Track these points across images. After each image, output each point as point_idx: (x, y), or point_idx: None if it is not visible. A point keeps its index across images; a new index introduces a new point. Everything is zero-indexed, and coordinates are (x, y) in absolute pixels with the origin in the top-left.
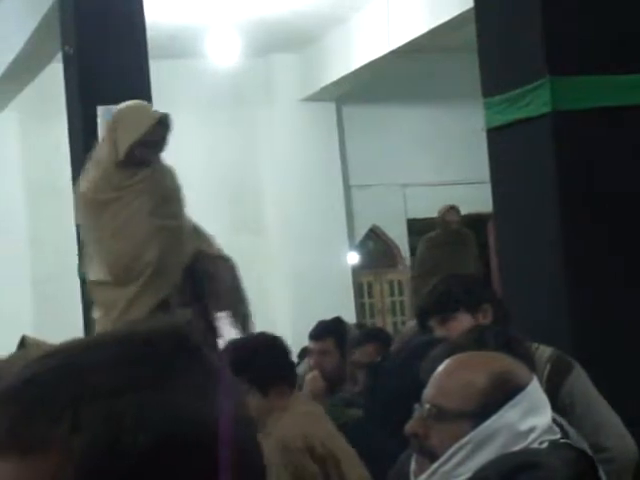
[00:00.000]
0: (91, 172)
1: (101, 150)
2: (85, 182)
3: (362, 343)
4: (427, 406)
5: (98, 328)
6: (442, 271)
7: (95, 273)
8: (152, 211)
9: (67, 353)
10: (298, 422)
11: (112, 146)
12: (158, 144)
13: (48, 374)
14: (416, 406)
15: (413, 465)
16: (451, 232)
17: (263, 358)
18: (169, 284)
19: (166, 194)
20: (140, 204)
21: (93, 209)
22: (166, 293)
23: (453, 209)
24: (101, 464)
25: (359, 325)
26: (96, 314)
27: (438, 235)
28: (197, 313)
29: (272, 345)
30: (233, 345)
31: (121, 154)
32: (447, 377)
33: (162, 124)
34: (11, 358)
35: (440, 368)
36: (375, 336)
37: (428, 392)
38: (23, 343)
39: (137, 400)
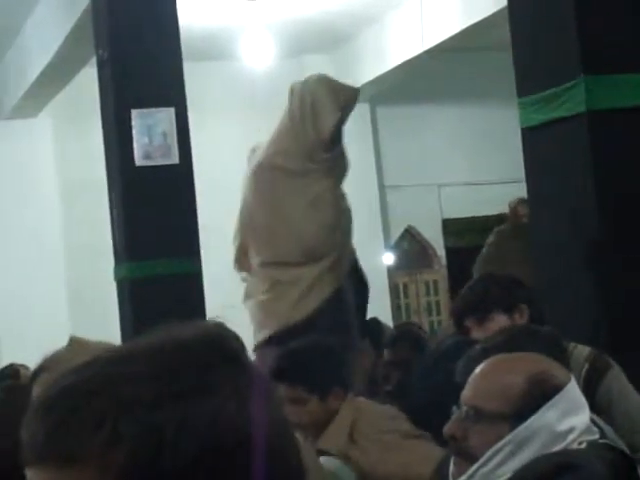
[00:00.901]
0: (279, 143)
1: (293, 122)
2: (270, 151)
3: (393, 343)
4: (465, 408)
5: (261, 310)
6: (511, 265)
7: (263, 253)
8: (338, 192)
9: (105, 362)
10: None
11: (310, 122)
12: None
13: (86, 384)
14: (454, 408)
15: (452, 467)
16: (522, 226)
17: (320, 363)
18: (344, 273)
19: (343, 175)
20: (329, 183)
21: (277, 178)
22: (341, 282)
23: (525, 202)
24: (142, 474)
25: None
26: (262, 297)
27: (508, 229)
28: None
29: (327, 349)
30: (288, 352)
31: (326, 132)
32: (485, 379)
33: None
34: (58, 355)
35: (477, 370)
36: (406, 336)
37: (466, 394)
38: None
39: (177, 411)
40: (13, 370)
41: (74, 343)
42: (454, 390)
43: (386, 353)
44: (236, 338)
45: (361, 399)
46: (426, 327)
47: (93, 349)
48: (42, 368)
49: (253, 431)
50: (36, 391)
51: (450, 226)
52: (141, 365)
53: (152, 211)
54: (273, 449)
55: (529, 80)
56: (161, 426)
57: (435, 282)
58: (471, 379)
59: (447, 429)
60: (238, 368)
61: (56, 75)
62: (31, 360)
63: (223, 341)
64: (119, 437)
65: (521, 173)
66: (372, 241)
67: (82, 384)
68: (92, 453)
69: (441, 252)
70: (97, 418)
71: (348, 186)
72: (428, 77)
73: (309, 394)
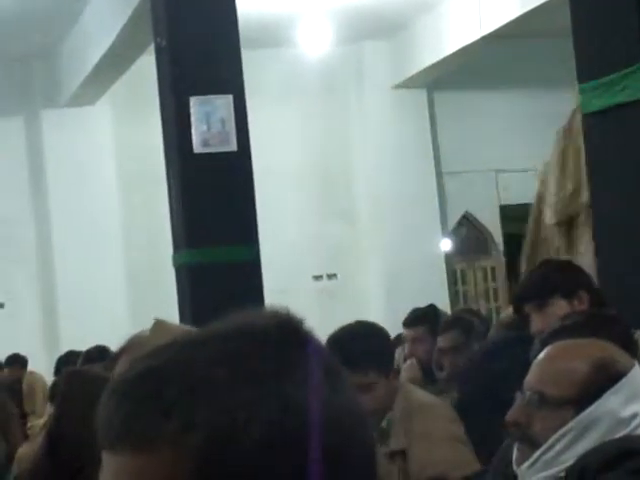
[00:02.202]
0: None
1: None
2: None
3: (445, 330)
4: (529, 393)
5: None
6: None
7: None
8: None
9: (180, 347)
10: None
11: None
12: None
13: (161, 368)
14: (517, 394)
15: (515, 453)
16: None
17: (378, 344)
18: None
19: None
20: None
21: None
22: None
23: None
24: (217, 459)
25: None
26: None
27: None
28: None
29: (377, 330)
30: (349, 335)
31: None
32: (548, 364)
33: None
34: (140, 338)
35: (541, 355)
36: (457, 322)
37: (529, 379)
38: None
39: (249, 395)
40: (75, 356)
41: (157, 326)
42: (498, 389)
43: (439, 340)
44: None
45: (412, 387)
46: (484, 313)
47: (174, 333)
48: (123, 350)
49: (322, 416)
50: (115, 372)
51: (508, 212)
52: (215, 350)
53: (210, 198)
54: (342, 435)
55: (589, 66)
56: (234, 410)
57: (493, 268)
58: (535, 365)
59: (510, 415)
60: (310, 354)
61: (114, 63)
62: (90, 345)
63: (295, 327)
64: (192, 422)
65: None
66: (430, 228)
67: (157, 369)
68: (166, 438)
69: (499, 238)
70: (171, 403)
71: (405, 173)
72: (485, 63)
73: (378, 376)
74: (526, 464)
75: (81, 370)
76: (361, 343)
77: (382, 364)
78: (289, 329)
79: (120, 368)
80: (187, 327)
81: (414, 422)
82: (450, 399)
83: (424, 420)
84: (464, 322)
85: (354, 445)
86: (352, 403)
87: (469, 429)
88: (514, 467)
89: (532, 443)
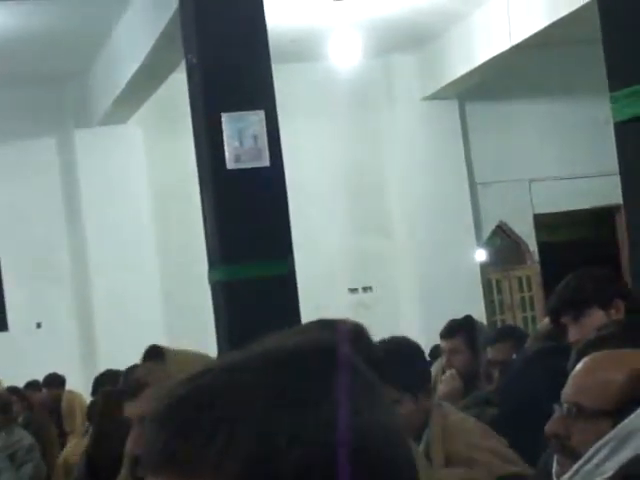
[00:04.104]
0: None
1: None
2: None
3: (497, 341)
4: (566, 405)
5: None
6: None
7: None
8: None
9: (219, 372)
10: None
11: None
12: None
13: (201, 393)
14: (555, 406)
15: (555, 466)
16: None
17: (408, 362)
18: None
19: None
20: None
21: None
22: None
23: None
24: None
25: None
26: None
27: None
28: None
29: (411, 347)
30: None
31: None
32: (586, 375)
33: None
34: (154, 370)
35: (578, 367)
36: (509, 334)
37: (567, 391)
38: (154, 353)
39: (290, 419)
40: (112, 375)
41: (171, 356)
42: (536, 401)
43: (488, 351)
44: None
45: (448, 407)
46: (520, 323)
47: (192, 360)
48: (144, 384)
49: (362, 440)
50: (138, 406)
51: (542, 221)
52: (254, 374)
53: (244, 214)
54: (383, 457)
55: (620, 74)
56: (274, 435)
57: (528, 277)
58: (572, 376)
59: (549, 427)
60: (352, 376)
61: (146, 81)
62: (127, 364)
63: (333, 349)
64: (234, 446)
65: (612, 166)
66: (464, 238)
67: (197, 394)
68: (208, 462)
69: (533, 247)
70: (212, 427)
71: (438, 184)
72: (517, 72)
73: (402, 392)
74: (566, 476)
75: (118, 390)
76: (386, 359)
77: (408, 381)
78: (332, 351)
79: (145, 403)
80: (200, 352)
81: (454, 445)
82: (494, 412)
83: (462, 443)
84: (516, 334)
85: (394, 466)
86: (392, 424)
87: (511, 441)
88: (554, 479)
89: (571, 455)
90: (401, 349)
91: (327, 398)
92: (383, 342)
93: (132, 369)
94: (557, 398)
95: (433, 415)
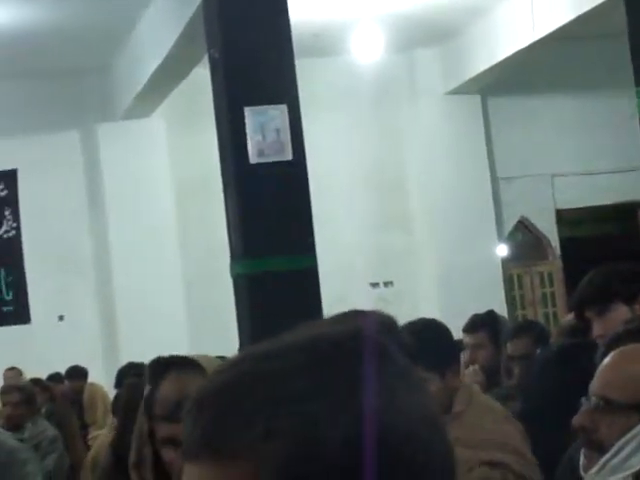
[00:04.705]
0: None
1: None
2: None
3: (516, 336)
4: (594, 399)
5: None
6: None
7: None
8: None
9: (256, 359)
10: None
11: None
12: None
13: (239, 380)
14: (583, 399)
15: (582, 459)
16: None
17: (434, 341)
18: None
19: None
20: None
21: None
22: None
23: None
24: (298, 469)
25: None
26: None
27: None
28: None
29: (436, 326)
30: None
31: None
32: (613, 369)
33: None
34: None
35: (605, 360)
36: (529, 328)
37: (595, 385)
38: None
39: (327, 404)
40: (135, 368)
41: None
42: (562, 396)
43: (508, 346)
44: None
45: (479, 391)
46: (541, 319)
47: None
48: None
49: (397, 423)
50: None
51: (564, 216)
52: (291, 360)
53: (267, 207)
54: (418, 441)
55: None
56: (314, 421)
57: (550, 273)
58: (599, 370)
59: (576, 420)
60: (388, 362)
61: (169, 75)
62: (149, 357)
63: (372, 336)
64: (273, 432)
65: (635, 161)
66: (485, 233)
67: (234, 381)
68: (247, 447)
69: (555, 243)
70: (251, 414)
71: (460, 179)
72: (540, 67)
73: (429, 371)
74: (593, 469)
75: (142, 382)
76: (412, 339)
77: (433, 361)
78: (363, 339)
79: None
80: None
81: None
82: (515, 407)
83: (487, 423)
84: (536, 328)
85: (430, 450)
86: (428, 409)
87: (534, 437)
88: (581, 472)
89: (599, 448)
90: (429, 329)
91: (363, 383)
92: (412, 323)
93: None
94: (581, 394)
95: (458, 394)
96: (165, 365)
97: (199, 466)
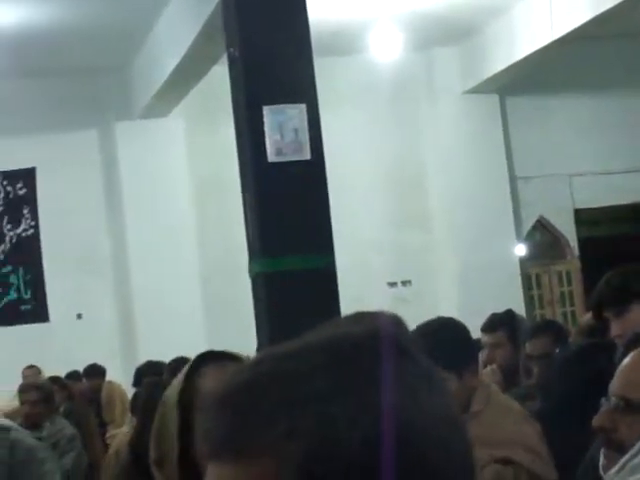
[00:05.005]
0: None
1: None
2: None
3: (535, 335)
4: (614, 399)
5: None
6: None
7: None
8: None
9: (277, 359)
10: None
11: None
12: None
13: (261, 380)
14: (603, 399)
15: (602, 459)
16: None
17: (451, 340)
18: None
19: None
20: None
21: None
22: None
23: None
24: (318, 468)
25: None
26: None
27: None
28: None
29: (453, 326)
30: (419, 331)
31: None
32: (633, 370)
33: None
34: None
35: (625, 360)
36: (548, 328)
37: (614, 385)
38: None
39: (347, 404)
40: (153, 366)
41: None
42: (581, 395)
43: (527, 346)
44: (407, 333)
45: (498, 390)
46: (559, 318)
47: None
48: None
49: (419, 425)
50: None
51: (582, 216)
52: (312, 360)
53: (285, 207)
54: (439, 442)
55: None
56: (334, 420)
57: (568, 272)
58: (619, 370)
59: (596, 420)
60: (411, 362)
61: (187, 74)
62: (167, 355)
63: (396, 335)
64: (294, 432)
65: None
66: (504, 232)
67: (255, 381)
68: (268, 448)
69: (574, 242)
70: (272, 413)
71: (478, 178)
72: (558, 66)
73: (446, 372)
74: (613, 470)
75: (162, 380)
76: (428, 338)
77: (451, 361)
78: (384, 338)
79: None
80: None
81: (493, 424)
82: (534, 407)
83: (504, 423)
84: (555, 328)
85: (450, 450)
86: (449, 410)
87: (553, 437)
88: (601, 472)
89: (619, 448)
90: (447, 328)
91: (383, 383)
92: (429, 322)
93: (177, 361)
94: (601, 394)
95: (477, 394)
96: (203, 359)
97: (221, 465)
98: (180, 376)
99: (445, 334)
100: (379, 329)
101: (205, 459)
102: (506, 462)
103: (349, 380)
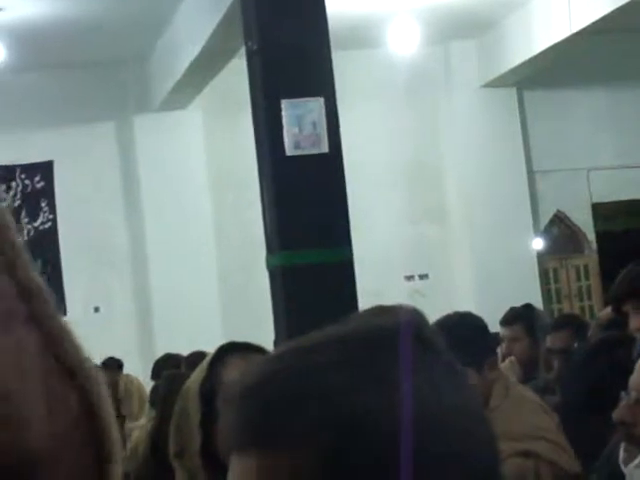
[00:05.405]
0: None
1: None
2: None
3: (556, 329)
4: (634, 393)
5: None
6: None
7: None
8: None
9: (300, 351)
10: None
11: None
12: None
13: (285, 372)
14: (623, 394)
15: (622, 454)
16: None
17: (470, 334)
18: None
19: None
20: None
21: None
22: None
23: None
24: (343, 460)
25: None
26: None
27: None
28: None
29: (472, 320)
30: (437, 326)
31: None
32: None
33: None
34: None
35: None
36: (568, 322)
37: (634, 379)
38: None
39: (371, 396)
40: (172, 359)
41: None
42: (601, 389)
43: (548, 339)
44: (428, 326)
45: (516, 383)
46: (577, 312)
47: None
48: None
49: (442, 417)
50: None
51: (600, 210)
52: (337, 352)
53: (303, 200)
54: (462, 433)
55: None
56: (360, 411)
57: (586, 267)
58: (639, 364)
59: (616, 415)
60: (433, 355)
61: (205, 67)
62: (184, 349)
63: (418, 328)
64: (319, 423)
65: None
66: (521, 226)
67: (280, 372)
68: (294, 439)
69: (591, 236)
70: (297, 405)
71: (496, 172)
72: (576, 60)
73: (465, 366)
74: (634, 463)
75: (181, 373)
76: (447, 332)
77: (469, 355)
78: (413, 330)
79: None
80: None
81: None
82: (552, 400)
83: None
84: (576, 322)
85: (473, 442)
86: (471, 400)
87: (573, 430)
88: (621, 466)
89: (638, 442)
90: (465, 322)
91: (407, 375)
92: (448, 316)
93: (195, 355)
94: (620, 388)
95: (495, 387)
96: (226, 350)
97: (245, 456)
98: (202, 367)
99: (464, 328)
100: (402, 322)
101: (229, 450)
102: (527, 455)
103: (373, 372)
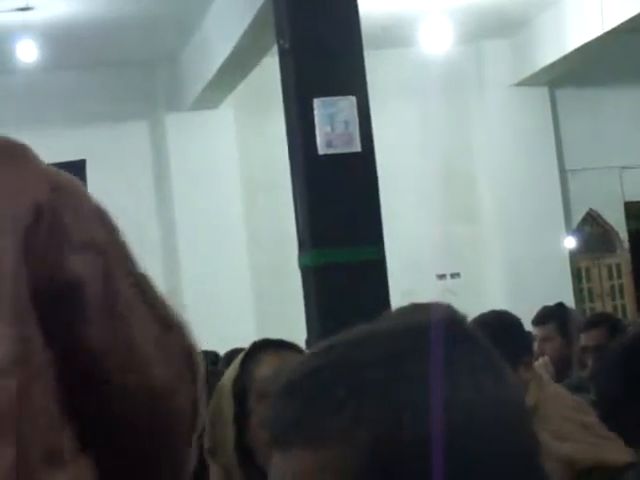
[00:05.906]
0: None
1: None
2: None
3: (590, 327)
4: None
5: None
6: None
7: None
8: None
9: (344, 347)
10: None
11: None
12: None
13: (327, 367)
14: None
15: None
16: None
17: (506, 333)
18: None
19: None
20: None
21: None
22: None
23: None
24: (385, 455)
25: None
26: None
27: None
28: None
29: (508, 318)
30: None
31: None
32: None
33: None
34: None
35: None
36: (603, 320)
37: None
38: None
39: (413, 393)
40: (205, 356)
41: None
42: (635, 388)
43: (582, 337)
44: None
45: (550, 381)
46: (609, 311)
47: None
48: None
49: (486, 412)
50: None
51: (633, 209)
52: (378, 348)
53: (335, 199)
54: (506, 430)
55: None
56: (400, 409)
57: (618, 265)
58: None
59: None
60: (474, 349)
61: (237, 66)
62: (216, 346)
63: (457, 322)
64: (362, 419)
65: None
66: (553, 225)
67: (322, 369)
68: (337, 434)
69: (624, 235)
70: (339, 401)
71: (528, 171)
72: (609, 59)
73: None
74: None
75: (217, 370)
76: (483, 331)
77: (505, 353)
78: (454, 325)
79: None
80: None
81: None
82: (586, 399)
83: (556, 415)
84: (610, 320)
85: (517, 440)
86: (516, 402)
87: (608, 428)
88: None
89: None
90: (501, 321)
91: (449, 372)
92: (483, 315)
93: (233, 352)
94: None
95: (530, 387)
96: (259, 347)
97: (288, 452)
98: (235, 364)
99: (500, 327)
100: (442, 318)
101: (270, 446)
102: (560, 458)
103: (414, 368)
